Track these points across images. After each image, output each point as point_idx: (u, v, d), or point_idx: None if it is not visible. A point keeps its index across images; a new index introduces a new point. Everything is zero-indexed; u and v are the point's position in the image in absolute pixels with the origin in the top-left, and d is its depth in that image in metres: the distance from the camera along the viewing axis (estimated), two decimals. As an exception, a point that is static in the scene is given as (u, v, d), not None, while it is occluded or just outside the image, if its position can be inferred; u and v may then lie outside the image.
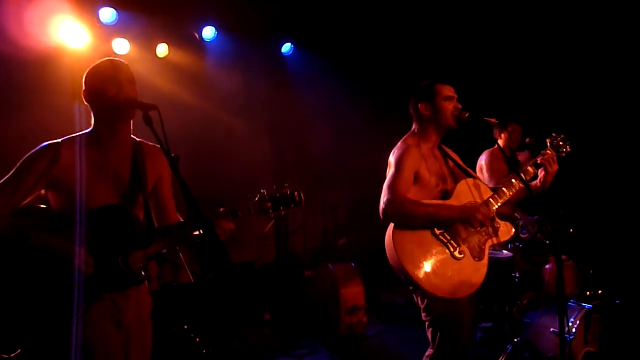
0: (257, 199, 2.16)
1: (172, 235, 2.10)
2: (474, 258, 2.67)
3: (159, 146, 1.86)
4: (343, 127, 6.42)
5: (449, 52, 5.99)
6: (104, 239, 2.05)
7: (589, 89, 5.44)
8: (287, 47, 6.05)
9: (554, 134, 3.05)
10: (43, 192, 2.12)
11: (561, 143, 3.02)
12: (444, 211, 2.64)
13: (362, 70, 6.34)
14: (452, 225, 2.66)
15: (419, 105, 2.83)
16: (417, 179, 2.72)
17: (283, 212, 2.18)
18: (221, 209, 2.11)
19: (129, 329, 2.14)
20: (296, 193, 2.18)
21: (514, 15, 5.46)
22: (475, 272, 2.66)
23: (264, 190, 2.17)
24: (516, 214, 4.38)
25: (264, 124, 6.43)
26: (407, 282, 2.65)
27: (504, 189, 2.81)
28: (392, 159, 2.78)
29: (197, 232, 2.09)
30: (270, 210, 2.15)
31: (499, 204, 2.79)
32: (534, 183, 2.92)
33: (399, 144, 2.83)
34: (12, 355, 1.93)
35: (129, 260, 2.07)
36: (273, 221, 5.69)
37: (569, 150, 3.03)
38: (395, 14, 5.69)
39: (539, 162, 2.91)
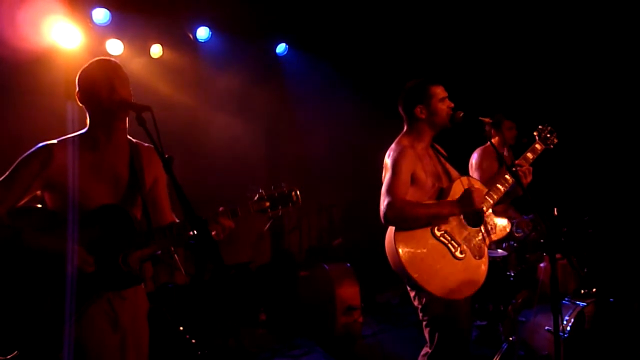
0: (255, 198, 2.17)
1: (172, 234, 2.10)
2: (475, 257, 2.69)
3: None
4: (338, 127, 6.42)
5: (442, 49, 5.99)
6: (104, 238, 2.05)
7: (585, 88, 5.46)
8: (281, 47, 6.05)
9: (540, 126, 3.03)
10: (39, 192, 2.11)
11: (548, 135, 3.02)
12: (445, 209, 2.64)
13: (357, 71, 6.34)
14: (452, 224, 2.66)
15: (415, 108, 2.78)
16: (414, 179, 2.71)
17: (281, 212, 2.19)
18: (220, 208, 2.11)
19: (124, 330, 2.13)
20: (293, 192, 2.20)
21: (505, 12, 5.48)
22: (477, 270, 2.68)
23: (262, 190, 2.18)
24: (509, 212, 4.40)
25: (258, 124, 6.42)
26: (409, 285, 2.66)
27: (498, 185, 2.81)
28: (387, 161, 2.76)
29: (191, 233, 2.09)
30: (269, 210, 2.16)
31: (495, 200, 2.78)
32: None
33: (393, 145, 2.81)
34: (9, 356, 1.92)
35: (128, 260, 2.07)
36: (271, 220, 5.70)
37: (556, 142, 3.02)
38: (389, 13, 5.70)
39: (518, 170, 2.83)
